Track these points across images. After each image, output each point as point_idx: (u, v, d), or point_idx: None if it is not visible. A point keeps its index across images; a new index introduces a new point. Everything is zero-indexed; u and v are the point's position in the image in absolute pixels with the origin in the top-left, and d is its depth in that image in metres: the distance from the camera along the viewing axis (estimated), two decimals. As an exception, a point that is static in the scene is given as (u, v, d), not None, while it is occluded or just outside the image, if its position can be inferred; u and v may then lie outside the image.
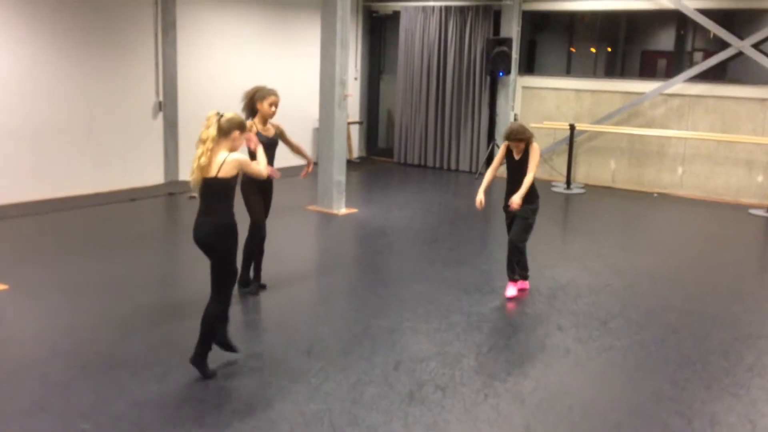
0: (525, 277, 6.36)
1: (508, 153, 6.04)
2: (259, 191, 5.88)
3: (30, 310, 5.61)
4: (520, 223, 6.02)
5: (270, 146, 5.74)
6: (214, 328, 4.47)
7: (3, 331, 5.33)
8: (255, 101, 5.71)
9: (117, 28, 9.84)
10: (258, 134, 5.63)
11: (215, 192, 4.34)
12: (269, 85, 5.86)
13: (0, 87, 8.48)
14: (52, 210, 8.77)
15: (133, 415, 3.97)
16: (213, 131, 4.27)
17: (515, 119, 12.47)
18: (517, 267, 6.22)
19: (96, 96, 9.66)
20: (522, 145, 5.94)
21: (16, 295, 5.86)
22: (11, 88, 8.74)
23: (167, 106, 10.53)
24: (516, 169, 6.04)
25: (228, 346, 4.71)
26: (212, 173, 4.29)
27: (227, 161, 4.29)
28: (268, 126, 5.85)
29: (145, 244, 7.66)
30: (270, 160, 5.75)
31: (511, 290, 6.23)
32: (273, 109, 5.74)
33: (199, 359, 4.45)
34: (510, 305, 6.01)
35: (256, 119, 5.75)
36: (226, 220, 4.40)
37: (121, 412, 4.01)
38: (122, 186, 10.05)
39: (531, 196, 5.98)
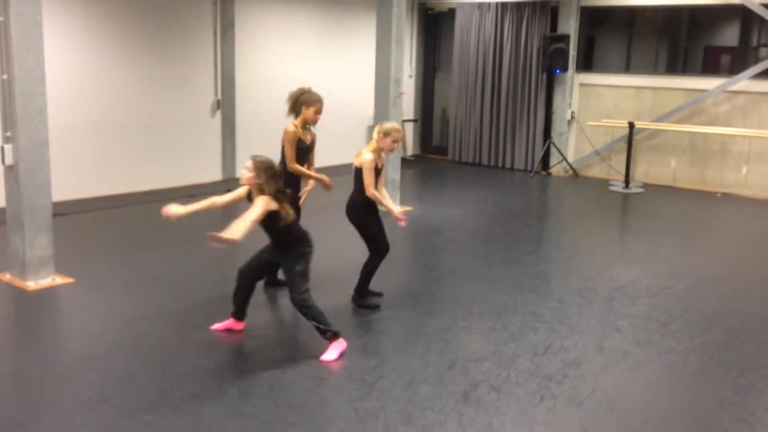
0: (332, 335, 4.82)
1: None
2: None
3: (94, 304, 5.78)
4: (288, 277, 4.87)
5: (307, 151, 5.86)
6: (371, 276, 5.76)
7: (68, 323, 5.52)
8: (301, 105, 5.73)
9: (176, 27, 10.05)
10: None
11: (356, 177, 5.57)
12: (324, 85, 5.93)
13: (64, 86, 8.72)
14: (114, 206, 9.00)
15: (194, 408, 4.06)
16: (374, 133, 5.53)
17: (572, 117, 12.29)
18: (316, 327, 4.82)
19: (156, 94, 9.88)
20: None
21: (82, 288, 6.04)
22: (74, 87, 9.00)
23: (225, 105, 10.71)
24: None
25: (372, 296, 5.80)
26: (356, 163, 5.53)
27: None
28: (307, 131, 5.87)
29: (203, 240, 7.78)
30: (305, 163, 5.87)
31: (331, 353, 4.79)
32: (317, 116, 5.78)
33: (359, 299, 5.76)
34: (567, 306, 5.92)
35: (298, 122, 5.78)
36: (359, 199, 5.53)
37: (182, 404, 4.10)
38: (181, 183, 10.24)
39: (289, 240, 4.90)
